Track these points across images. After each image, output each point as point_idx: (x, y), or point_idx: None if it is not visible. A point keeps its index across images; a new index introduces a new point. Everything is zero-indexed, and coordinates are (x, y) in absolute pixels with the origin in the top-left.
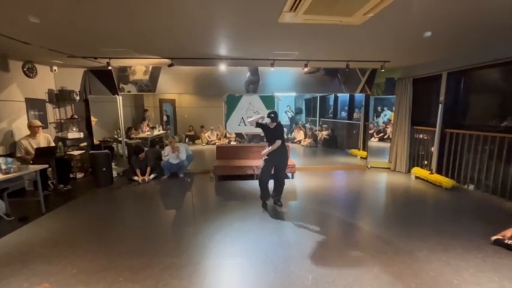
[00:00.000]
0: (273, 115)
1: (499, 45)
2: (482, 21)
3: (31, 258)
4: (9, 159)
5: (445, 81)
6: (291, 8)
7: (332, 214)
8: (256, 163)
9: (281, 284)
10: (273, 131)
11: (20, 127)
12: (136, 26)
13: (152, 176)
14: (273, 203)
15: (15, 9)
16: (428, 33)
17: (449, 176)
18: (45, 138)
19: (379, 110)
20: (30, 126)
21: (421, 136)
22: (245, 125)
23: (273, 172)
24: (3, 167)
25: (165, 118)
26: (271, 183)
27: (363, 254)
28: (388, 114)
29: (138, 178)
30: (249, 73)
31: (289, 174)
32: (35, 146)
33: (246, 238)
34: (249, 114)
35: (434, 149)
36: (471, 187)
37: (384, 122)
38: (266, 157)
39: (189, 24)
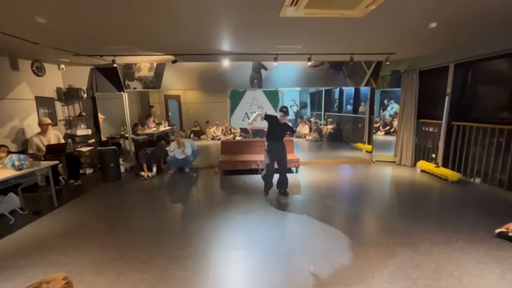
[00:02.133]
0: (285, 109)
1: (507, 36)
2: (489, 10)
3: (45, 249)
4: (22, 156)
5: (452, 73)
6: (292, 2)
7: (336, 207)
8: (260, 158)
9: (283, 275)
10: (281, 127)
11: (31, 125)
12: (140, 23)
13: (154, 170)
14: (278, 194)
15: (23, 11)
16: (433, 24)
17: (456, 169)
18: (55, 135)
19: (386, 103)
20: (41, 124)
21: (429, 129)
22: (249, 119)
23: (276, 167)
24: (17, 163)
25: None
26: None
27: (365, 246)
28: (394, 107)
29: (144, 173)
30: (251, 69)
31: (294, 169)
32: (46, 143)
33: (250, 231)
34: (253, 109)
35: (440, 142)
36: (477, 180)
37: (390, 115)
38: (267, 154)
39: (192, 21)
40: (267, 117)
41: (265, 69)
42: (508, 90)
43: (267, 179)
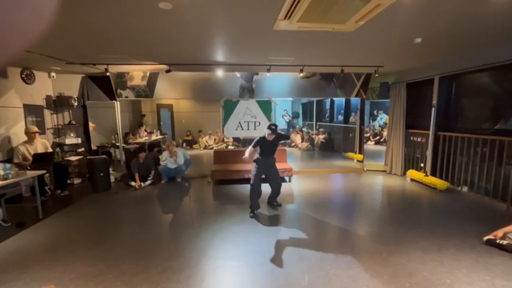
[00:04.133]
0: (273, 127)
1: (487, 51)
2: (470, 29)
3: (29, 263)
4: (8, 165)
5: (437, 85)
6: (285, 16)
7: (328, 216)
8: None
9: (278, 286)
10: (270, 144)
11: (18, 133)
12: (135, 33)
13: (149, 181)
14: (270, 206)
15: None
16: (418, 40)
17: (444, 178)
18: (42, 144)
19: (376, 114)
20: (27, 133)
21: (417, 139)
22: (242, 129)
23: (266, 179)
24: (1, 172)
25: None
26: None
27: (359, 255)
28: (384, 118)
29: (135, 184)
30: (242, 79)
31: (287, 178)
32: (33, 152)
33: (243, 241)
34: (246, 119)
35: (428, 152)
36: (465, 189)
37: (380, 126)
38: (256, 166)
39: (187, 32)
40: (257, 144)
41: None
42: (489, 102)
43: (254, 192)
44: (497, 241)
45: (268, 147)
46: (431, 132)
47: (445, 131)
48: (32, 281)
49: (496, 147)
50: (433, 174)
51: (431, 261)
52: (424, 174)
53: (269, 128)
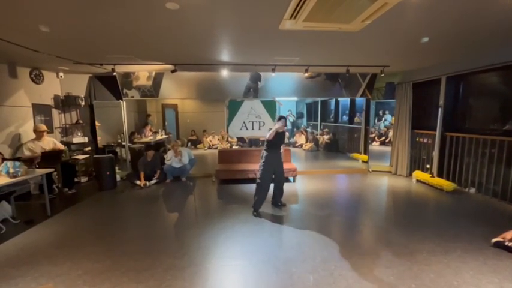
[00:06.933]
0: (283, 118)
1: (495, 50)
2: (478, 27)
3: (38, 259)
4: (17, 163)
5: (444, 85)
6: (291, 16)
7: (333, 217)
8: (258, 167)
9: (282, 285)
10: (279, 136)
11: (27, 132)
12: (142, 33)
13: (154, 180)
14: (275, 206)
15: (27, 19)
16: (425, 39)
17: (451, 179)
18: (50, 141)
19: (381, 114)
20: (36, 131)
21: (423, 140)
22: (247, 129)
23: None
24: (11, 170)
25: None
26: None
27: (364, 256)
28: (389, 118)
29: (140, 182)
30: (248, 79)
31: (291, 178)
32: (40, 147)
33: (248, 240)
34: (250, 119)
35: (435, 153)
36: (472, 190)
37: (385, 126)
38: (264, 163)
39: (193, 32)
40: (275, 137)
41: (260, 81)
42: (498, 103)
43: (262, 189)
44: (506, 243)
45: (278, 139)
46: (438, 133)
47: (452, 132)
48: (41, 277)
49: (504, 148)
50: (440, 175)
51: (438, 263)
52: (431, 176)
53: (280, 119)
